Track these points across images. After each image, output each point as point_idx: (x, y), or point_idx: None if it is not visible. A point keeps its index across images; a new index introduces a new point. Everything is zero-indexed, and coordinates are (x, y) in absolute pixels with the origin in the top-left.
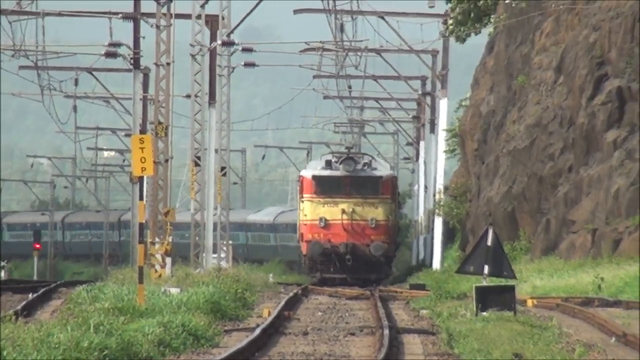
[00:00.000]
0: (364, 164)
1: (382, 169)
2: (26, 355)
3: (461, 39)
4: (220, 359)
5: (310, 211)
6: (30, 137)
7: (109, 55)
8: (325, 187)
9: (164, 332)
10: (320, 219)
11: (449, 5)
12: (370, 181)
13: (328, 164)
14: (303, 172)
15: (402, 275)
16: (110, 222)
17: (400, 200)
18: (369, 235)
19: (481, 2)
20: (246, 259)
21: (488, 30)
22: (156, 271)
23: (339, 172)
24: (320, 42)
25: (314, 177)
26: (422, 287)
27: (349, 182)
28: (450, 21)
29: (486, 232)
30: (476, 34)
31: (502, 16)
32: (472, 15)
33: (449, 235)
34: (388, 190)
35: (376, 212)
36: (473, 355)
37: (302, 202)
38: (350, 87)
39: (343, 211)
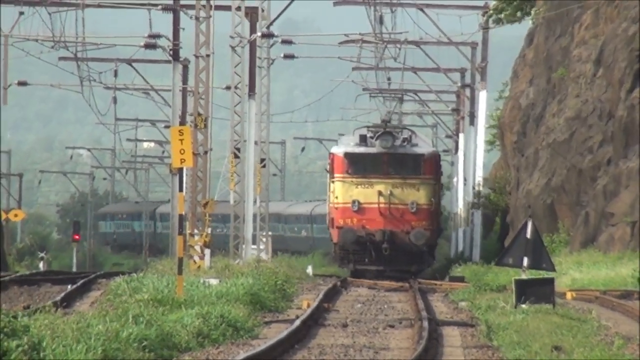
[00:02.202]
0: (404, 140)
1: (424, 146)
2: (66, 346)
3: (501, 22)
4: (259, 350)
5: (342, 193)
6: (70, 128)
7: (149, 46)
8: (360, 166)
9: (203, 323)
10: (354, 202)
11: None
12: (411, 159)
13: (363, 140)
14: (334, 149)
15: (441, 268)
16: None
17: (442, 182)
18: (409, 221)
19: None
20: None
21: (529, 20)
22: (195, 262)
23: (374, 148)
24: (360, 34)
25: (347, 155)
26: (461, 279)
27: (387, 160)
28: (491, 11)
29: (525, 224)
30: (515, 22)
31: (541, 9)
32: (514, 2)
33: (488, 228)
34: (431, 170)
35: (417, 195)
36: (512, 347)
37: (333, 182)
38: (389, 79)
39: (380, 193)
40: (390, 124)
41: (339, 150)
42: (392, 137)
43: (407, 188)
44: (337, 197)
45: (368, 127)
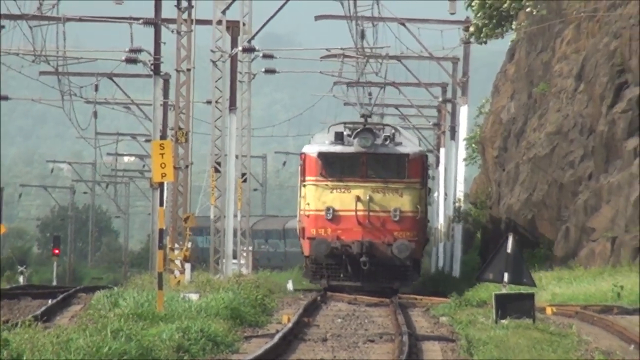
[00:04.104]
0: (386, 138)
1: (409, 145)
2: None
3: (482, 41)
4: None
5: (315, 199)
6: (50, 142)
7: (130, 61)
8: (335, 168)
9: (183, 338)
10: (328, 209)
11: (472, 8)
12: (394, 160)
13: (339, 138)
14: (306, 148)
15: (422, 283)
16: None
17: (430, 186)
18: (392, 231)
19: (505, 5)
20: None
21: (509, 37)
22: (175, 277)
23: (352, 147)
24: (341, 48)
25: (320, 155)
26: (441, 294)
27: (366, 160)
28: (471, 28)
29: (506, 239)
30: (496, 37)
31: (523, 24)
32: (494, 20)
33: (468, 243)
34: (417, 172)
35: (401, 201)
36: None
37: (304, 186)
38: (370, 93)
39: (358, 199)
40: (371, 119)
41: (311, 149)
42: (372, 135)
43: (389, 193)
44: (308, 204)
45: (345, 123)
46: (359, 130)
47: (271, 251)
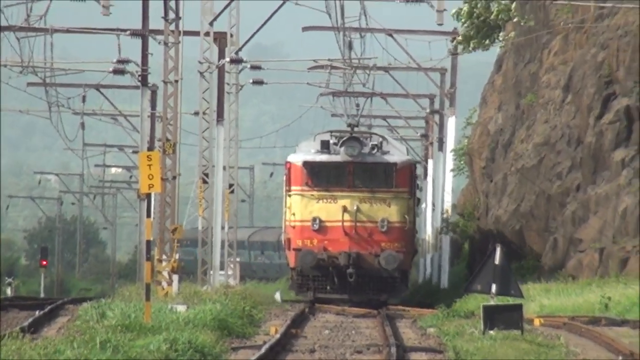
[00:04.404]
0: (373, 147)
1: (397, 154)
2: None
3: (469, 50)
4: None
5: (300, 209)
6: (38, 154)
7: (117, 72)
8: (321, 177)
9: (170, 349)
10: (314, 220)
11: (460, 18)
12: (381, 169)
13: (325, 146)
14: (291, 157)
15: (409, 294)
16: None
17: (419, 197)
18: (379, 242)
19: (492, 16)
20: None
21: (497, 48)
22: (163, 288)
23: (339, 156)
24: (329, 59)
25: (306, 164)
26: (429, 305)
27: (353, 170)
28: (459, 37)
29: (494, 250)
30: (483, 49)
31: (510, 35)
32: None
33: (456, 254)
34: (404, 182)
35: (389, 211)
36: None
37: (290, 196)
38: (358, 105)
39: (344, 209)
40: (358, 128)
41: (297, 158)
42: (359, 144)
43: (377, 203)
44: (294, 214)
45: (331, 131)
46: (345, 138)
47: (267, 263)
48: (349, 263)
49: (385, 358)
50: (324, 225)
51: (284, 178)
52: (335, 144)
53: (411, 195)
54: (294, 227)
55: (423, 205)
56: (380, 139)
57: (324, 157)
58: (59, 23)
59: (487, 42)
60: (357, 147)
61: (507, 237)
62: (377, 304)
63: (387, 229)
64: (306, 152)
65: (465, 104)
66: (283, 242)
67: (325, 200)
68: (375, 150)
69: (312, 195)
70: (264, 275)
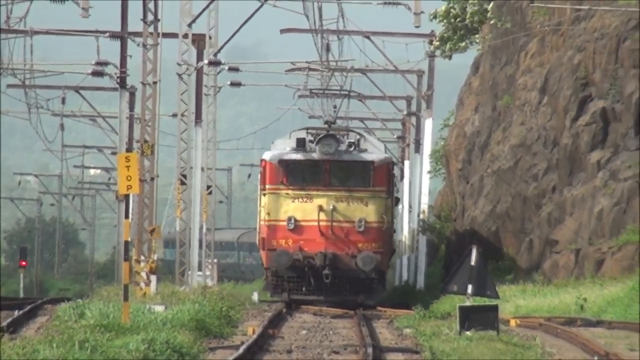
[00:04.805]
0: (350, 144)
1: (375, 151)
2: None
3: (447, 56)
4: None
5: (275, 208)
6: (17, 155)
7: (96, 74)
8: (296, 176)
9: (148, 349)
10: (289, 219)
11: (437, 20)
12: (359, 167)
13: (301, 144)
14: (266, 155)
15: (386, 295)
16: None
17: (397, 196)
18: (356, 243)
19: (467, 20)
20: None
21: (474, 49)
22: (141, 289)
23: (315, 154)
24: (306, 61)
25: (281, 162)
26: (406, 306)
27: (329, 168)
28: (436, 42)
29: (470, 251)
30: (461, 51)
31: (487, 37)
32: (457, 33)
33: (432, 255)
34: (382, 181)
35: (366, 211)
36: None
37: (264, 195)
38: (335, 106)
39: (320, 208)
40: (335, 125)
41: (272, 156)
42: (335, 141)
43: (354, 202)
44: (268, 213)
45: (307, 129)
46: (321, 136)
47: (254, 264)
48: (325, 264)
49: (362, 358)
50: (299, 225)
51: (259, 176)
52: (311, 141)
53: (389, 195)
54: (268, 226)
55: (400, 207)
56: (358, 137)
57: (299, 155)
58: (39, 25)
59: (464, 44)
60: (334, 145)
61: (483, 238)
62: (354, 305)
63: (364, 229)
64: (281, 150)
65: (442, 106)
66: (257, 242)
67: (300, 200)
68: (352, 148)
69: (287, 194)
70: (252, 276)
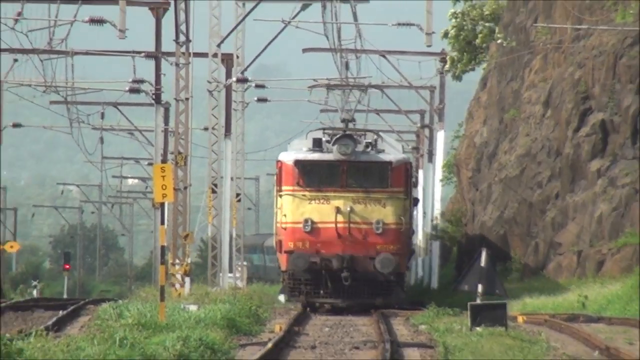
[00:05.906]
0: (367, 145)
1: (392, 152)
2: None
3: (458, 77)
4: None
5: (292, 210)
6: (60, 166)
7: (133, 91)
8: (313, 177)
9: (183, 346)
10: (306, 221)
11: (447, 41)
12: (376, 168)
13: (317, 145)
14: (282, 156)
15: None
16: None
17: (416, 196)
18: (374, 245)
19: (477, 40)
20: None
21: (482, 67)
22: (176, 290)
23: (332, 155)
24: (327, 78)
25: (297, 163)
26: (421, 304)
27: (346, 169)
28: (447, 65)
29: (480, 254)
30: (469, 71)
31: (494, 55)
32: (465, 54)
33: (445, 257)
34: (400, 181)
35: (384, 212)
36: None
37: (281, 197)
38: (354, 120)
39: (337, 210)
40: (352, 124)
41: (288, 157)
42: (353, 142)
43: (372, 204)
44: (285, 215)
45: (324, 129)
46: (338, 136)
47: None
48: (343, 266)
49: (381, 353)
50: (316, 227)
51: (275, 178)
52: (328, 141)
53: (407, 195)
54: (285, 228)
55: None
56: (375, 137)
57: (316, 156)
58: (79, 46)
59: (473, 64)
60: (351, 145)
61: (492, 241)
62: (372, 308)
63: (382, 231)
64: (298, 150)
65: (453, 119)
66: (274, 244)
67: (317, 201)
68: (370, 148)
69: (304, 195)
70: (277, 277)
